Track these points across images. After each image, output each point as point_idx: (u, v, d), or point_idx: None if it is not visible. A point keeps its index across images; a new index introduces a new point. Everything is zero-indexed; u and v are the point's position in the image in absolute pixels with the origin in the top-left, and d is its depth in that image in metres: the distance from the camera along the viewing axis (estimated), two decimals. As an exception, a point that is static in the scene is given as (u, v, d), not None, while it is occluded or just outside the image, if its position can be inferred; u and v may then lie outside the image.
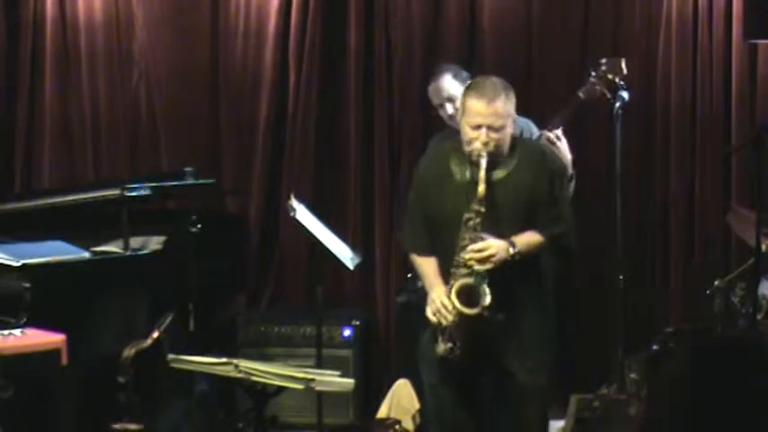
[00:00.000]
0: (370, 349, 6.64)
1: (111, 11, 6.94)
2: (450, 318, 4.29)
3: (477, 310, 4.26)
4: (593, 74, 5.62)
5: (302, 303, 6.81)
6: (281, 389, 4.59)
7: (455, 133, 4.67)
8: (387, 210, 6.73)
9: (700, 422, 2.22)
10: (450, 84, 5.47)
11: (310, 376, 4.42)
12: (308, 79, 6.78)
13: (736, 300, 5.54)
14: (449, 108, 5.44)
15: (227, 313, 6.57)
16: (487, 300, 4.25)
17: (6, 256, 5.37)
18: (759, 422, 2.21)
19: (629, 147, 6.19)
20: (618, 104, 5.62)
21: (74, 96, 7.00)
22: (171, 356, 4.68)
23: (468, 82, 4.80)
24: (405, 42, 6.71)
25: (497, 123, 4.35)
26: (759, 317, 5.34)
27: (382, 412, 5.83)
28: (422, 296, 4.59)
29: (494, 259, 4.31)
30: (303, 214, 5.53)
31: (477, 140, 4.34)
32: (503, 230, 4.37)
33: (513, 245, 4.34)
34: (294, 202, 5.52)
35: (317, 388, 4.56)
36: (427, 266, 4.53)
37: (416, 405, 5.71)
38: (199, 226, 5.69)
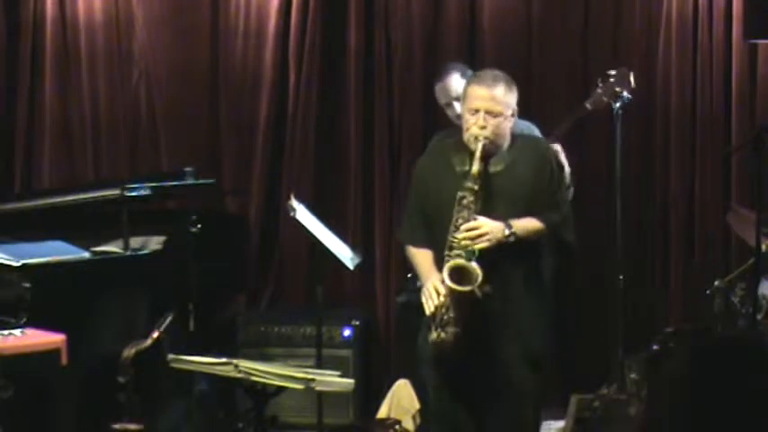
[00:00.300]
0: (370, 349, 6.64)
1: (111, 11, 6.94)
2: (441, 299, 4.28)
3: (470, 287, 4.25)
4: (601, 84, 5.60)
5: (302, 303, 6.81)
6: (280, 389, 4.58)
7: (458, 132, 4.68)
8: (387, 210, 6.73)
9: (700, 422, 2.22)
10: (459, 83, 5.41)
11: (310, 376, 4.41)
12: (308, 79, 6.78)
13: (736, 300, 5.54)
14: (457, 107, 5.35)
15: (227, 313, 6.57)
16: (479, 277, 4.25)
17: (6, 256, 5.37)
18: (759, 422, 2.21)
19: (630, 147, 6.19)
20: (618, 104, 5.63)
21: (74, 96, 7.00)
22: (171, 356, 4.68)
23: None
24: (405, 42, 6.71)
25: (495, 109, 4.37)
26: (759, 317, 5.34)
27: (382, 412, 5.82)
28: (422, 294, 4.59)
29: (488, 237, 4.30)
30: (303, 214, 5.53)
31: (474, 125, 4.36)
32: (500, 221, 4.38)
33: (509, 226, 4.35)
34: (294, 202, 5.52)
35: (317, 388, 4.56)
36: (422, 258, 4.54)
37: (416, 405, 5.70)
38: (199, 226, 5.68)
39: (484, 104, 4.38)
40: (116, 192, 5.68)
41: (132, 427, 4.99)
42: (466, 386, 4.47)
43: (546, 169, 4.49)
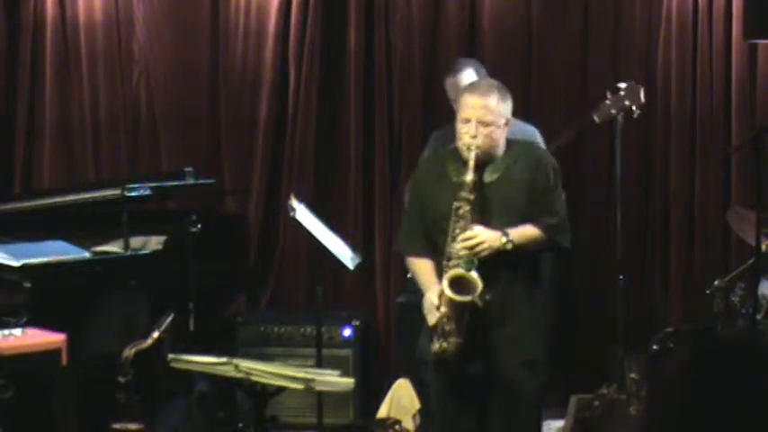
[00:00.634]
0: (370, 349, 6.64)
1: (111, 11, 6.94)
2: (442, 309, 4.29)
3: (470, 297, 4.25)
4: (610, 97, 5.57)
5: (302, 303, 6.81)
6: (280, 389, 4.58)
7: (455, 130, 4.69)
8: (387, 210, 6.73)
9: (700, 422, 2.22)
10: (472, 79, 5.39)
11: (310, 376, 4.41)
12: (308, 79, 6.78)
13: (736, 300, 5.54)
14: None
15: (227, 313, 6.57)
16: (479, 287, 4.25)
17: (6, 256, 5.37)
18: (759, 422, 2.21)
19: (629, 147, 6.19)
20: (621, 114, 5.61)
21: (74, 96, 7.00)
22: (171, 356, 4.68)
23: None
24: (405, 42, 6.71)
25: (487, 118, 4.37)
26: (759, 317, 5.35)
27: (382, 412, 5.82)
28: (422, 296, 4.59)
29: (484, 246, 4.31)
30: (303, 214, 5.53)
31: (466, 134, 4.37)
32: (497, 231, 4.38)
33: (506, 234, 4.35)
34: (294, 202, 5.52)
35: (317, 388, 4.56)
36: (423, 268, 4.54)
37: (416, 405, 5.71)
38: (199, 226, 5.68)
39: (476, 114, 4.38)
40: (116, 192, 5.68)
41: (132, 427, 4.98)
42: (467, 388, 4.48)
43: (541, 175, 4.48)
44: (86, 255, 5.62)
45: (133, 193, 5.69)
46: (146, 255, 5.79)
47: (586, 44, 6.59)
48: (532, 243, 4.44)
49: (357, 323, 6.45)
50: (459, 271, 4.29)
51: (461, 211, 4.33)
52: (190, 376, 5.54)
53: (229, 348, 6.09)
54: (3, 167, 7.05)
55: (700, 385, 2.24)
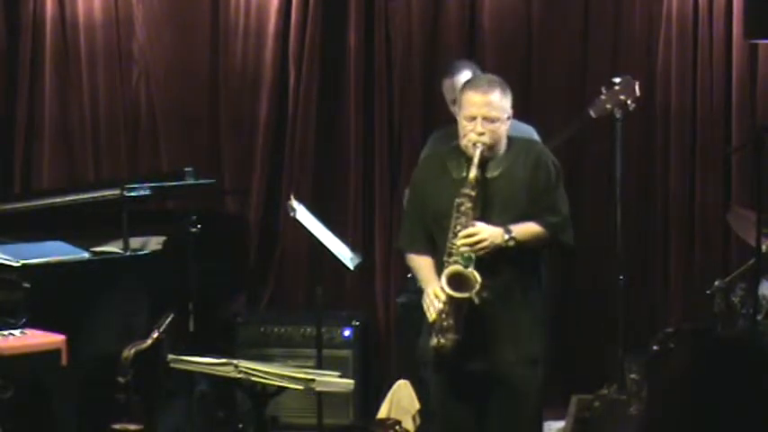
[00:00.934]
0: (370, 349, 6.64)
1: (110, 10, 6.94)
2: (440, 305, 4.29)
3: (469, 293, 4.25)
4: (605, 92, 5.58)
5: (302, 303, 6.81)
6: (281, 389, 4.58)
7: (456, 129, 4.68)
8: (387, 210, 6.73)
9: (700, 422, 2.22)
10: None
11: (310, 377, 4.42)
12: (308, 79, 6.78)
13: (736, 300, 5.54)
14: None
15: (227, 313, 6.56)
16: (477, 283, 4.25)
17: (6, 256, 5.37)
18: (759, 422, 2.21)
19: (630, 147, 6.19)
20: (620, 112, 5.61)
21: (74, 96, 7.00)
22: (171, 356, 4.68)
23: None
24: (405, 42, 6.71)
25: (492, 114, 4.37)
26: (759, 317, 5.34)
27: (382, 413, 5.82)
28: (422, 296, 4.59)
29: (485, 244, 4.31)
30: (303, 214, 5.53)
31: (472, 132, 4.36)
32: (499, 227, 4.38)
33: (508, 231, 4.35)
34: (294, 202, 5.52)
35: (317, 388, 4.56)
36: (422, 264, 4.54)
37: (416, 405, 5.70)
38: (199, 226, 5.68)
39: (480, 111, 4.38)
40: (116, 192, 5.68)
41: (132, 427, 4.99)
42: (466, 386, 4.48)
43: (542, 172, 4.48)
44: (86, 255, 5.62)
45: (133, 194, 5.69)
46: (145, 255, 5.79)
47: (586, 44, 6.59)
48: (535, 240, 4.44)
49: (357, 323, 6.45)
50: (458, 267, 4.29)
51: (463, 208, 4.33)
52: (190, 376, 5.54)
53: (229, 349, 6.09)
54: (3, 167, 7.05)
55: (700, 385, 2.24)
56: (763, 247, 5.28)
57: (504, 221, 4.38)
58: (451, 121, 5.46)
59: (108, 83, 6.98)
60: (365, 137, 6.78)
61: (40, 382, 4.86)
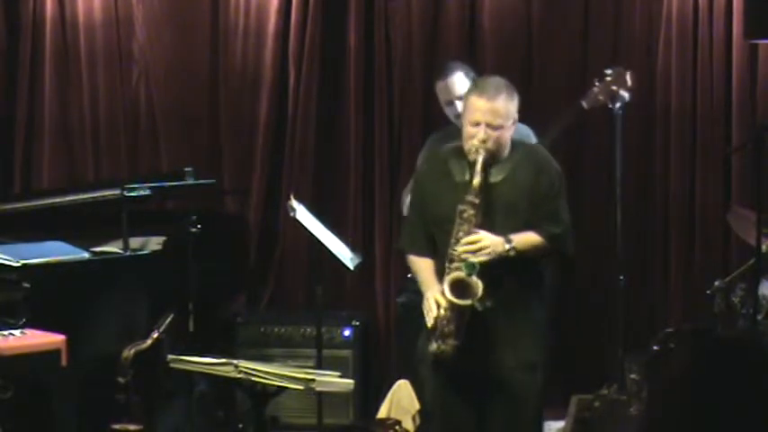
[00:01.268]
0: (370, 349, 6.64)
1: (110, 10, 6.94)
2: (441, 312, 4.29)
3: (470, 301, 4.25)
4: (598, 83, 5.59)
5: (302, 303, 6.81)
6: (281, 389, 4.58)
7: (455, 131, 4.67)
8: (387, 210, 6.73)
9: (700, 422, 2.22)
10: (462, 82, 5.39)
11: (310, 377, 4.41)
12: (308, 79, 6.78)
13: (736, 300, 5.54)
14: (458, 106, 5.26)
15: (227, 313, 6.56)
16: (480, 291, 4.25)
17: (6, 256, 5.37)
18: (759, 422, 2.21)
19: (630, 147, 6.19)
20: (618, 104, 5.62)
21: (74, 96, 7.00)
22: (171, 357, 4.68)
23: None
24: (405, 42, 6.71)
25: (496, 121, 4.35)
26: (759, 317, 5.34)
27: (382, 412, 5.82)
28: (422, 296, 4.59)
29: (487, 251, 4.30)
30: (303, 214, 5.53)
31: (475, 137, 4.34)
32: (500, 233, 4.37)
33: (509, 240, 4.34)
34: (294, 202, 5.52)
35: (317, 388, 4.55)
36: (423, 266, 4.53)
37: (416, 405, 5.70)
38: (199, 226, 5.68)
39: (485, 117, 4.35)
40: (116, 192, 5.68)
41: (132, 427, 4.99)
42: (466, 389, 4.47)
43: (545, 179, 4.46)
44: (86, 255, 5.62)
45: (133, 194, 5.68)
46: (145, 255, 5.79)
47: (586, 44, 6.59)
48: (534, 251, 4.43)
49: (357, 323, 6.45)
50: (461, 274, 4.29)
51: (466, 215, 4.32)
52: (189, 376, 5.54)
53: (229, 349, 6.09)
54: (3, 167, 7.04)
55: (700, 385, 2.24)
56: (763, 247, 5.28)
57: (507, 226, 4.37)
58: (450, 123, 5.47)
59: (108, 83, 6.98)
60: (365, 137, 6.78)
61: (40, 382, 4.85)
